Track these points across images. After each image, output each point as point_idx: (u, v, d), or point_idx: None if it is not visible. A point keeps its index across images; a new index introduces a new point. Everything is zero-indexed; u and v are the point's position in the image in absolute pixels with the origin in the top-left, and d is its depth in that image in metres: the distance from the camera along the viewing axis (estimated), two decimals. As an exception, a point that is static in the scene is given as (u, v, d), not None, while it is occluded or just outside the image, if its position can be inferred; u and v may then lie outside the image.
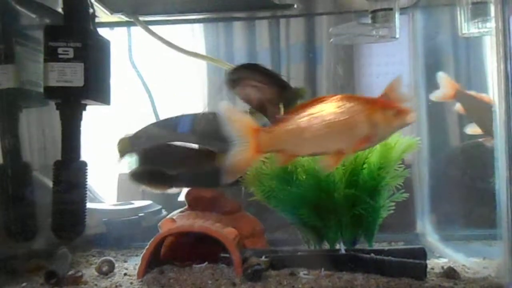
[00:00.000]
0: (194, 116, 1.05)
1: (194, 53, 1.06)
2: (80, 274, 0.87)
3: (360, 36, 1.02)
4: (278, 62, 1.55)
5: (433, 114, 1.25)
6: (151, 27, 1.18)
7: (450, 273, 0.83)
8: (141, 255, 0.89)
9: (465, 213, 1.17)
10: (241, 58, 1.53)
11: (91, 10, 1.00)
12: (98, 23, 1.04)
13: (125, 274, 0.91)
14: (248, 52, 1.53)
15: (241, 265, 0.84)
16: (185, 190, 1.07)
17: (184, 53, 1.06)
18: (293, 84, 1.50)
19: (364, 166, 0.92)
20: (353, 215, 0.93)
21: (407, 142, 0.94)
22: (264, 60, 1.54)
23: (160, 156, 1.08)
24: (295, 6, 1.15)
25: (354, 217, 0.93)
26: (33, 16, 1.08)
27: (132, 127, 1.12)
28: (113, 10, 1.13)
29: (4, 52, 0.96)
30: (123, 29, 1.28)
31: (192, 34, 1.48)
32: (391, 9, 0.98)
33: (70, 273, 0.88)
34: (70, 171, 0.95)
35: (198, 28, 1.48)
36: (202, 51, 1.50)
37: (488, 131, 1.05)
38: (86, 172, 0.98)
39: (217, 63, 1.17)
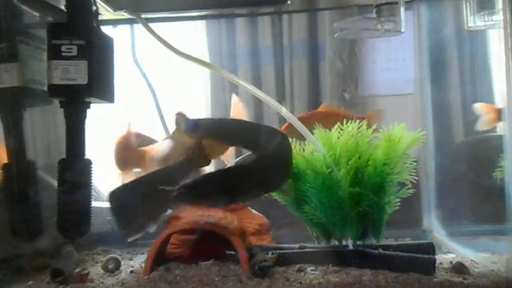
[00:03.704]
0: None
1: (188, 56, 1.05)
2: (86, 271, 0.87)
3: (365, 30, 1.01)
4: (280, 58, 1.54)
5: (439, 109, 1.24)
6: (154, 24, 1.18)
7: (459, 268, 0.82)
8: (147, 252, 0.88)
9: (472, 208, 1.16)
10: (243, 55, 1.52)
11: (94, 8, 0.99)
12: (101, 20, 1.03)
13: (131, 272, 0.91)
14: (250, 48, 1.53)
15: (248, 262, 0.83)
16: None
17: (181, 56, 1.05)
18: (296, 80, 1.51)
19: (369, 162, 0.92)
20: (358, 211, 0.92)
21: (412, 136, 0.93)
22: (267, 57, 1.53)
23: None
24: (289, 1, 1.14)
25: (360, 214, 0.93)
26: (36, 14, 1.08)
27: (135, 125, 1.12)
28: (115, 7, 1.12)
29: (8, 50, 0.96)
30: (127, 27, 1.28)
31: (194, 31, 1.48)
32: (396, 2, 0.97)
33: (76, 271, 0.87)
34: (74, 169, 0.95)
35: (201, 24, 1.47)
36: (205, 48, 1.50)
37: None
38: (91, 171, 0.97)
39: (213, 69, 1.15)
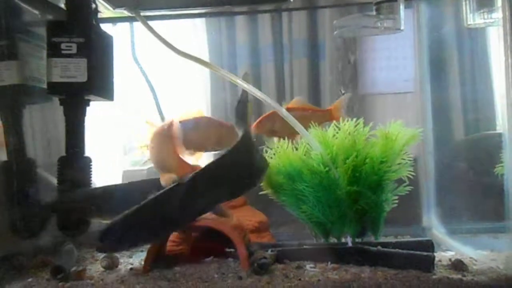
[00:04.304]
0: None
1: (188, 55, 1.05)
2: (81, 268, 0.87)
3: (365, 28, 1.01)
4: (280, 57, 1.54)
5: (438, 107, 1.24)
6: (153, 22, 1.18)
7: (458, 265, 0.82)
8: (147, 249, 0.88)
9: (471, 206, 1.16)
10: (243, 53, 1.52)
11: (93, 5, 1.00)
12: (100, 18, 1.04)
13: (131, 269, 0.91)
14: (250, 47, 1.52)
15: (247, 259, 0.84)
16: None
17: (180, 54, 1.05)
18: (296, 79, 1.51)
19: (366, 160, 0.92)
20: (356, 209, 0.92)
21: (410, 133, 0.93)
22: (267, 55, 1.53)
23: None
24: None
25: (358, 212, 0.93)
26: (36, 12, 1.08)
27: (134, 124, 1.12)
28: (115, 5, 1.12)
29: (8, 48, 0.96)
30: (126, 25, 1.28)
31: (194, 29, 1.47)
32: (395, 0, 0.97)
33: (73, 269, 0.87)
34: (74, 167, 0.95)
35: (200, 22, 1.47)
36: (204, 47, 1.49)
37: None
38: (91, 168, 0.98)
39: (212, 68, 1.15)
